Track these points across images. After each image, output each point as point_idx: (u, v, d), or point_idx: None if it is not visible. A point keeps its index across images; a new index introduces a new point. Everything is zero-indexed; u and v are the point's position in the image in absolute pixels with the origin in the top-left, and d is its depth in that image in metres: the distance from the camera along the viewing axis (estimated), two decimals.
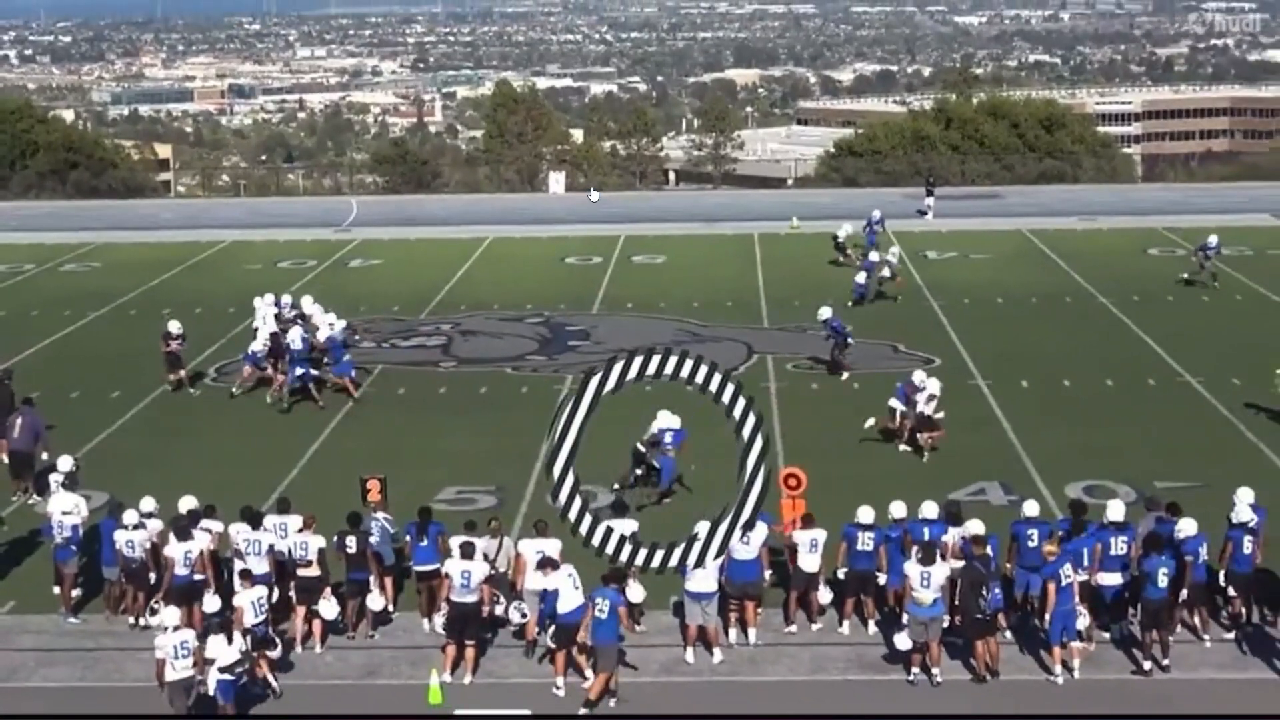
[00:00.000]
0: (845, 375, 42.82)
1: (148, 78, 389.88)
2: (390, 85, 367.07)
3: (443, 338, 49.45)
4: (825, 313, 43.24)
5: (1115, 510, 26.05)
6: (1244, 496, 26.46)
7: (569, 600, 24.32)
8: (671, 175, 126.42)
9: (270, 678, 24.26)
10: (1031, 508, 26.96)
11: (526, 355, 46.77)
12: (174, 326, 42.46)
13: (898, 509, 26.84)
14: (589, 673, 24.34)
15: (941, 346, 46.52)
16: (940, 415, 35.96)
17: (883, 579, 26.31)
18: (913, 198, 74.35)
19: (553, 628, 24.64)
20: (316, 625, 25.95)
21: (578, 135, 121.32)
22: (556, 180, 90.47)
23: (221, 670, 22.94)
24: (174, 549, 25.85)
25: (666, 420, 33.59)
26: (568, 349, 47.40)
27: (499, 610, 25.61)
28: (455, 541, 25.45)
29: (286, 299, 45.24)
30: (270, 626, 24.73)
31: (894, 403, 36.62)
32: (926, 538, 25.73)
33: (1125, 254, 61.41)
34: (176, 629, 22.90)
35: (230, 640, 23.18)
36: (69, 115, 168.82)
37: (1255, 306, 52.00)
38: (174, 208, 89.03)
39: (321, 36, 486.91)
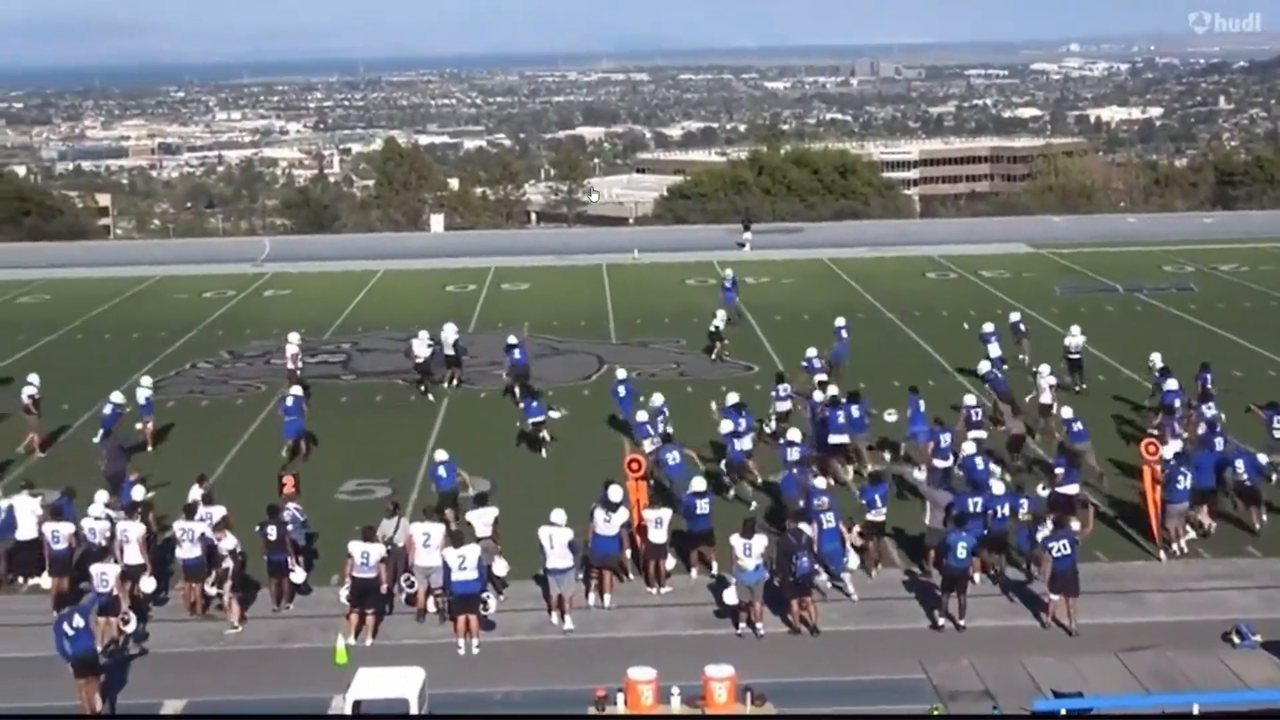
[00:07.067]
0: None
1: (89, 138, 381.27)
2: (295, 143, 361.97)
3: (343, 354, 48.93)
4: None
5: None
6: None
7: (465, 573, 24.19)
8: (533, 216, 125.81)
9: (119, 639, 24.17)
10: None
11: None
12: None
13: None
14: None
15: (759, 356, 46.71)
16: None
17: None
18: (733, 233, 74.62)
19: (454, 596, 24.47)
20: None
21: (454, 183, 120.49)
22: (437, 221, 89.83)
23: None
24: (48, 527, 26.25)
25: (969, 399, 33.33)
26: None
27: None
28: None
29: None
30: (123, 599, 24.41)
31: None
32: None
33: (906, 277, 62.02)
34: None
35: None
36: (21, 170, 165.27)
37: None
38: (113, 248, 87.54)
39: (236, 102, 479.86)
